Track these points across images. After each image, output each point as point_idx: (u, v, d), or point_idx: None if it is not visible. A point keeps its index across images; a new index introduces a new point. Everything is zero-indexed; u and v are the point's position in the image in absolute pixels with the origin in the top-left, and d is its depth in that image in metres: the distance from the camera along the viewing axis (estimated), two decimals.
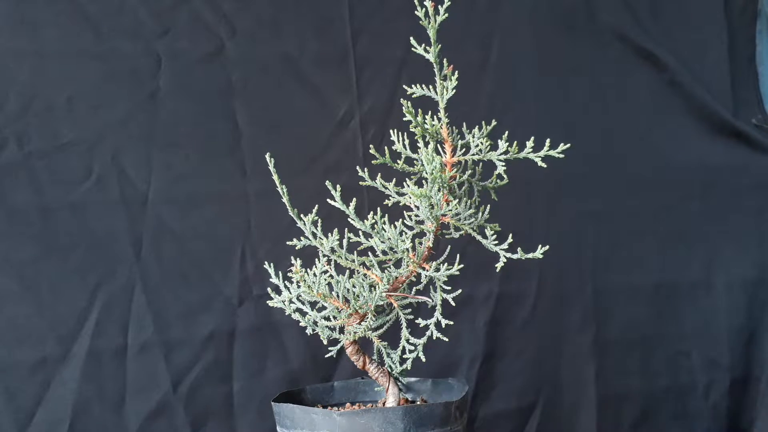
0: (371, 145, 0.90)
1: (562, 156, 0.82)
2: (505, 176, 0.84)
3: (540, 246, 0.81)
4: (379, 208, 0.83)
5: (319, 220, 0.85)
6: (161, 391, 1.18)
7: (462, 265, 0.80)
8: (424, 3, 0.80)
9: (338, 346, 0.88)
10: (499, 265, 0.81)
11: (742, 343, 1.50)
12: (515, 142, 0.82)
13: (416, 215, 0.84)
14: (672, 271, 1.45)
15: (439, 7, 0.80)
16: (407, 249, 0.82)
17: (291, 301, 0.85)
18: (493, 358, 1.34)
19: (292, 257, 0.84)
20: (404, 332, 0.86)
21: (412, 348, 0.87)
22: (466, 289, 1.28)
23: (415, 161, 0.86)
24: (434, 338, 0.84)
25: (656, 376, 1.44)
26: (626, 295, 1.43)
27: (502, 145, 0.82)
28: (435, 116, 0.82)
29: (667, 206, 1.45)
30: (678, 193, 1.46)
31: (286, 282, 0.85)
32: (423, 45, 0.81)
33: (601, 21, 1.40)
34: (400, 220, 0.83)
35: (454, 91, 0.81)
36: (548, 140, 0.81)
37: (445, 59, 0.82)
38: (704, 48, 1.48)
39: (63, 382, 1.12)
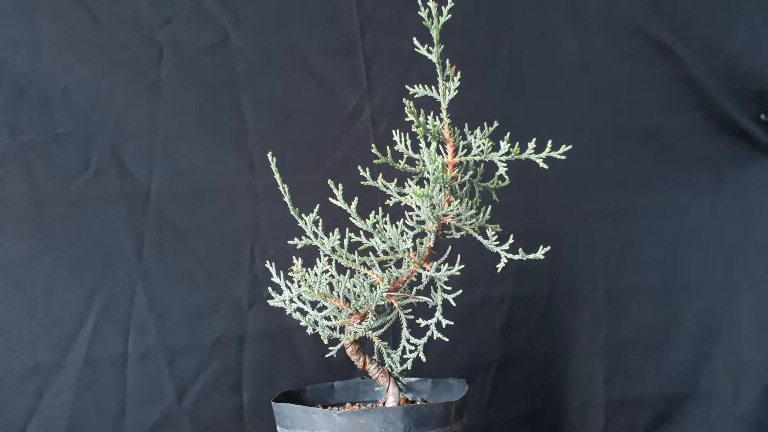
0: (374, 145, 0.91)
1: (563, 158, 0.85)
2: (506, 177, 0.87)
3: (541, 246, 0.83)
4: (380, 208, 0.86)
5: (320, 220, 0.88)
6: (165, 402, 1.13)
7: (463, 266, 0.83)
8: (428, 3, 0.82)
9: (338, 346, 0.91)
10: (500, 266, 0.84)
11: (750, 343, 1.46)
12: (517, 143, 0.85)
13: (417, 215, 0.87)
14: (685, 271, 1.43)
15: (443, 8, 0.82)
16: (408, 249, 0.85)
17: (292, 301, 0.87)
18: (507, 362, 1.33)
19: (295, 257, 0.85)
20: (405, 332, 0.89)
21: (413, 348, 0.90)
22: (482, 292, 1.28)
23: (416, 161, 0.89)
24: (435, 338, 0.86)
25: (670, 380, 1.42)
26: (638, 295, 1.41)
27: (504, 146, 0.85)
28: (437, 117, 0.86)
29: (679, 205, 1.44)
30: (689, 192, 1.44)
31: (287, 281, 0.89)
32: (426, 45, 0.84)
33: (614, 15, 1.39)
34: (402, 220, 0.86)
35: (457, 91, 0.84)
36: (550, 141, 0.84)
37: (447, 60, 0.85)
38: (716, 43, 1.45)
39: (57, 392, 1.07)
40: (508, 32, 1.32)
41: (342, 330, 0.88)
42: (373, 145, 0.89)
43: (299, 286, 0.86)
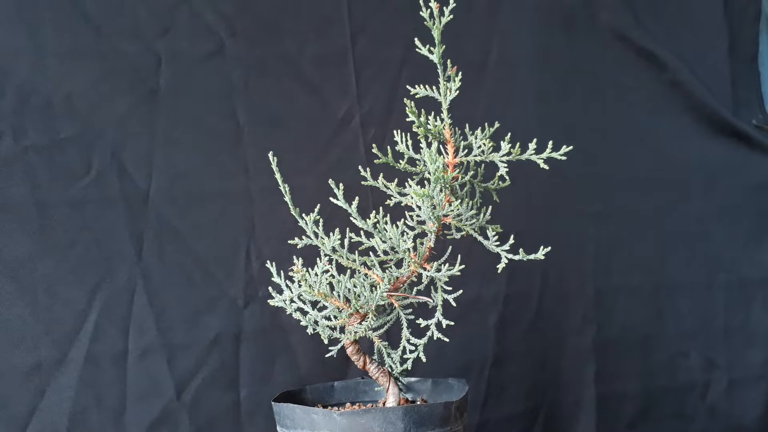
0: (374, 145, 0.91)
1: (564, 158, 0.84)
2: (507, 178, 0.86)
3: (542, 247, 0.82)
4: (381, 208, 0.85)
5: (321, 220, 0.87)
6: (164, 399, 1.13)
7: (464, 266, 0.82)
8: (429, 4, 0.81)
9: (338, 346, 0.90)
10: (500, 267, 0.83)
11: (741, 343, 1.50)
12: (518, 143, 0.84)
13: (418, 215, 0.86)
14: (672, 271, 1.46)
15: (444, 8, 0.82)
16: (408, 249, 0.84)
17: (292, 301, 0.87)
18: (500, 361, 1.34)
19: (295, 257, 0.85)
20: (405, 332, 0.88)
21: (413, 348, 0.89)
22: (474, 291, 1.29)
23: (417, 161, 0.89)
24: (435, 338, 0.86)
25: (655, 376, 1.45)
26: (626, 295, 1.43)
27: (505, 146, 0.84)
28: (438, 117, 0.85)
29: (667, 206, 1.46)
30: (678, 193, 1.47)
31: (287, 281, 0.88)
32: (427, 46, 0.83)
33: (602, 21, 1.42)
34: (402, 220, 0.85)
35: (457, 92, 0.83)
36: (551, 142, 0.84)
37: (449, 60, 0.84)
38: (705, 48, 1.50)
39: (59, 389, 1.07)
40: (499, 37, 1.33)
41: (342, 330, 0.87)
42: (373, 146, 0.90)
43: (299, 286, 0.85)
